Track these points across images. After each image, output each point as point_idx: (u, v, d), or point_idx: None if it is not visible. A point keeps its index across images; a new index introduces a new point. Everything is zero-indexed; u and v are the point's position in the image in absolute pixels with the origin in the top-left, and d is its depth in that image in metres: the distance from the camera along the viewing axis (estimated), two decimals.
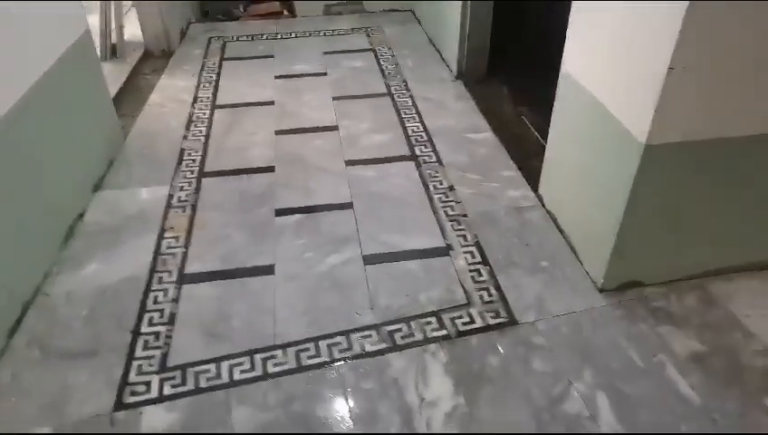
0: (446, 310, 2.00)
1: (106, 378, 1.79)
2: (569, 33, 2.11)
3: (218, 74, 3.69)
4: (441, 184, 2.63)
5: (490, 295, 2.06)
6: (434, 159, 2.81)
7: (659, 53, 1.56)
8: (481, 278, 2.13)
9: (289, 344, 1.89)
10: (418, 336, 1.91)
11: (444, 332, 1.93)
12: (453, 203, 2.51)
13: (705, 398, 1.70)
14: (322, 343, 1.89)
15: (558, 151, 2.33)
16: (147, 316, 2.00)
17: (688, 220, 1.92)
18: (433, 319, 1.97)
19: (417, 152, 2.86)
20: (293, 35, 4.22)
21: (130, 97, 3.41)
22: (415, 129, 3.05)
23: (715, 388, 1.73)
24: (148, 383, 1.77)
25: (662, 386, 1.74)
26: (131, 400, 1.72)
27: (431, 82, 3.53)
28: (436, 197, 2.55)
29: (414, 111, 3.21)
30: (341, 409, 1.69)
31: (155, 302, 2.05)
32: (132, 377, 1.79)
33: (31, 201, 2.11)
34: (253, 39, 4.19)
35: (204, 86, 3.53)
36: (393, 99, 3.35)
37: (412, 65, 3.74)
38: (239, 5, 4.75)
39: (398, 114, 3.19)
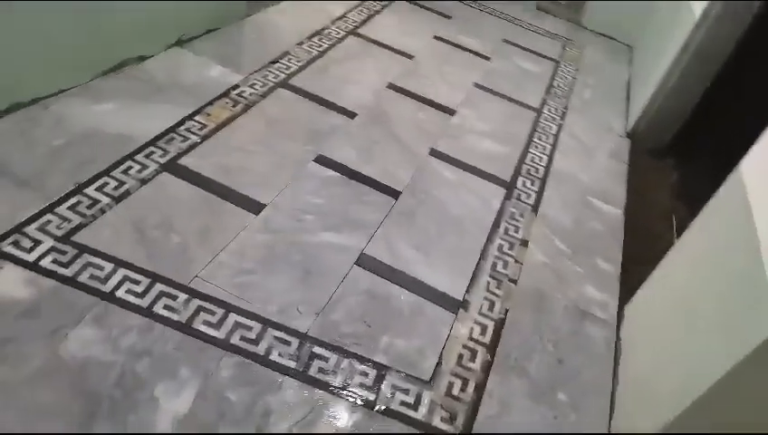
0: (397, 372, 1.47)
1: (9, 211, 1.53)
2: None
3: (383, 7, 3.31)
4: (515, 232, 2.03)
5: (463, 391, 1.48)
6: (531, 201, 2.20)
7: None
8: (470, 364, 1.55)
9: (198, 295, 1.49)
10: (337, 381, 1.41)
11: (372, 396, 1.40)
12: (511, 260, 1.91)
13: None
14: (232, 316, 1.47)
15: (679, 266, 1.63)
16: (104, 180, 1.71)
17: None
18: (372, 372, 1.45)
19: (518, 184, 2.26)
20: (487, 10, 3.70)
21: None
22: (536, 159, 2.44)
23: None
24: (37, 243, 1.48)
25: None
26: (6, 248, 1.44)
27: (595, 123, 2.85)
28: (498, 241, 1.97)
29: (550, 141, 2.58)
30: (183, 402, 1.27)
31: (125, 172, 1.77)
32: (31, 228, 1.52)
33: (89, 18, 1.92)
34: None
35: (359, 11, 3.18)
36: (538, 117, 2.74)
37: (587, 98, 3.07)
38: None
39: (531, 135, 2.59)
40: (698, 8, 2.57)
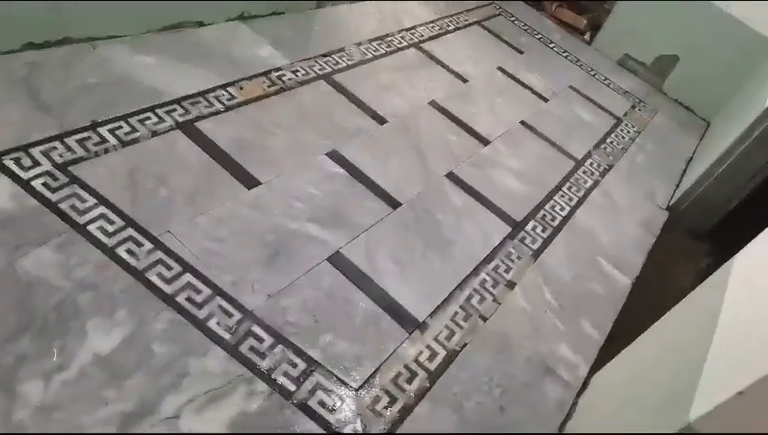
0: (327, 371, 1.46)
1: (24, 130, 1.66)
2: None
3: (456, 28, 3.32)
4: (505, 272, 1.97)
5: (387, 408, 1.45)
6: (535, 246, 2.12)
7: None
8: (405, 385, 1.52)
9: (163, 248, 1.54)
10: (264, 364, 1.42)
11: (293, 387, 1.40)
12: (490, 298, 1.86)
13: None
14: (186, 276, 1.51)
15: (648, 345, 1.53)
16: (119, 124, 1.82)
17: None
18: (302, 365, 1.45)
19: (528, 227, 2.20)
20: (564, 54, 3.63)
21: None
22: (557, 207, 2.36)
23: None
24: (36, 164, 1.59)
25: None
26: (7, 162, 1.55)
27: (636, 188, 2.71)
28: (483, 276, 1.92)
29: (578, 194, 2.49)
30: (109, 341, 1.32)
31: (141, 121, 1.87)
32: (36, 149, 1.63)
33: None
34: (526, 29, 3.71)
35: (430, 27, 3.20)
36: (576, 168, 2.65)
37: (638, 162, 2.93)
38: (555, 1, 4.25)
39: (561, 184, 2.50)
40: None
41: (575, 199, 2.45)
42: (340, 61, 2.57)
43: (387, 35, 2.93)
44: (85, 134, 1.73)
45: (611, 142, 2.98)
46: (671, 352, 1.31)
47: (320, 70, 2.45)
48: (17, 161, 1.57)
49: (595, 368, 1.79)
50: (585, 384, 1.73)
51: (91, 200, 1.57)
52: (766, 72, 2.88)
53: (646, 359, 1.47)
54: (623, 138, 3.07)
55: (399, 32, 3.01)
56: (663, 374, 1.25)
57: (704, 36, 3.45)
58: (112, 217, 1.55)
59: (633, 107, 3.42)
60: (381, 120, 2.35)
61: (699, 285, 1.47)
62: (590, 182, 2.60)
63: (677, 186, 2.87)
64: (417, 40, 3.02)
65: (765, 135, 2.37)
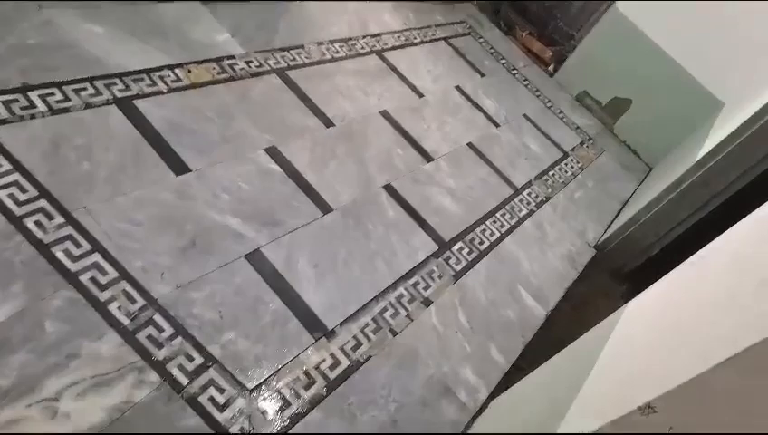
0: (223, 369, 1.46)
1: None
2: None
3: (423, 42, 3.35)
4: (424, 289, 2.01)
5: (278, 412, 1.46)
6: (458, 267, 2.17)
7: None
8: (301, 391, 1.53)
9: (75, 224, 1.52)
10: (160, 354, 1.41)
11: (185, 381, 1.40)
12: (403, 313, 1.89)
13: None
14: (94, 256, 1.48)
15: (538, 377, 1.59)
16: (52, 90, 1.78)
17: None
18: (199, 360, 1.45)
19: (454, 248, 2.24)
20: (525, 82, 3.71)
21: None
22: (487, 232, 2.41)
23: None
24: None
25: None
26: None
27: (569, 223, 2.80)
28: (401, 290, 1.95)
29: (510, 222, 2.55)
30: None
31: (77, 91, 1.83)
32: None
33: None
34: (492, 52, 3.77)
35: (397, 36, 3.22)
36: (514, 196, 2.71)
37: (576, 197, 3.02)
38: (526, 29, 4.34)
39: (495, 210, 2.56)
40: (703, 151, 2.54)
41: (507, 226, 2.52)
42: (297, 57, 2.57)
43: (350, 39, 2.94)
44: (13, 96, 1.68)
45: (553, 175, 3.06)
46: (553, 388, 1.37)
47: (274, 64, 2.45)
48: None
49: (496, 393, 1.84)
50: (483, 408, 1.78)
51: (6, 165, 1.53)
52: (705, 127, 3.02)
53: (534, 391, 1.52)
54: (566, 172, 3.16)
55: (364, 37, 3.03)
56: (540, 408, 1.31)
57: (657, 85, 3.59)
58: (26, 185, 1.52)
59: (582, 143, 3.53)
60: (328, 123, 2.36)
61: (594, 327, 1.53)
62: (524, 211, 2.67)
63: (609, 226, 2.98)
64: (380, 47, 3.04)
65: (691, 188, 2.48)
